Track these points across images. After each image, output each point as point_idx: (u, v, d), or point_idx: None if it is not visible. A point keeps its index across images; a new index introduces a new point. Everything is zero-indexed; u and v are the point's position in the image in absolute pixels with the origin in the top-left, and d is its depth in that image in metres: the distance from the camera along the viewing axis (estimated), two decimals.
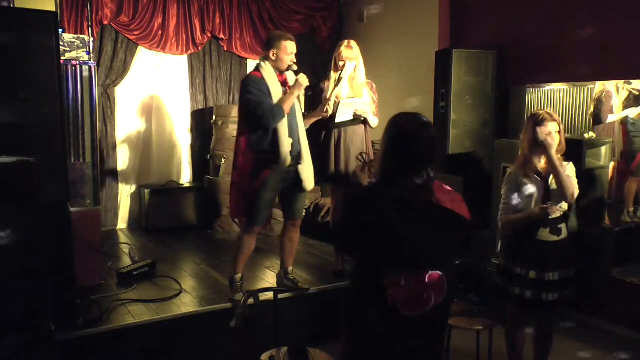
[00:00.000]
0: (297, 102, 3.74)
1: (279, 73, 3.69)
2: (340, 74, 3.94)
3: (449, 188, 2.01)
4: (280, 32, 3.87)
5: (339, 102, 3.91)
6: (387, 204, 1.88)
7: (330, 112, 3.93)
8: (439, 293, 1.90)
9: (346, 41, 4.01)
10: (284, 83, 3.70)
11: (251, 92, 3.58)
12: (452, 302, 2.04)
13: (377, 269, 1.90)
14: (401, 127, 1.98)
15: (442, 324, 2.05)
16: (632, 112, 5.00)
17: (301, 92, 3.69)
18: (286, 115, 3.61)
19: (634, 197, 5.06)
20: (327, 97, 3.93)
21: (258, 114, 3.55)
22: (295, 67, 3.68)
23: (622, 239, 4.63)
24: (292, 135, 3.66)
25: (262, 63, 3.69)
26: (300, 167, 3.71)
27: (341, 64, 3.94)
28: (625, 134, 4.92)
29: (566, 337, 3.83)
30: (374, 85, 4.13)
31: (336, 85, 3.93)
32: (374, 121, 4.07)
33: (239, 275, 3.80)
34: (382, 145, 2.01)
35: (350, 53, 3.94)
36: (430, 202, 1.91)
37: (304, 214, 4.00)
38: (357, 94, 4.01)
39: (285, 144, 3.60)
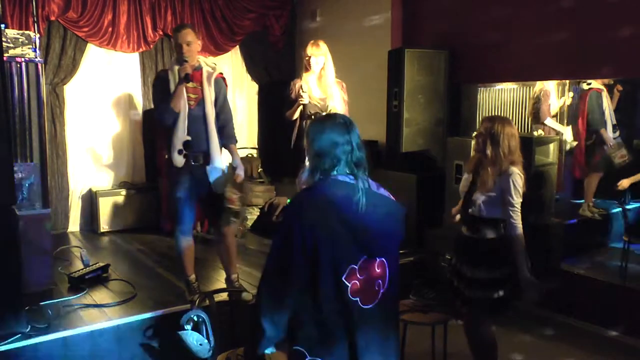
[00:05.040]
0: (209, 101, 3.54)
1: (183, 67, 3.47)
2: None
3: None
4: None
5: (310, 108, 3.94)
6: (330, 201, 1.88)
7: (296, 115, 3.95)
8: (384, 280, 1.97)
9: (312, 40, 4.06)
10: (188, 78, 3.46)
11: (153, 90, 3.51)
12: (399, 290, 2.08)
13: (333, 267, 1.89)
14: (324, 130, 1.98)
15: (393, 312, 2.09)
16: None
17: (182, 84, 3.43)
18: (184, 113, 3.46)
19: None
20: (296, 96, 3.91)
21: (155, 112, 3.48)
22: (185, 58, 3.46)
23: (570, 233, 4.80)
24: (192, 133, 3.50)
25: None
26: (208, 167, 3.56)
27: (307, 59, 3.99)
28: None
29: (515, 328, 3.94)
30: (344, 85, 4.17)
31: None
32: None
33: (192, 277, 3.76)
34: (309, 148, 1.99)
35: (316, 50, 3.99)
36: (369, 191, 1.94)
37: (230, 221, 3.73)
38: (327, 93, 4.04)
39: (175, 143, 3.48)
